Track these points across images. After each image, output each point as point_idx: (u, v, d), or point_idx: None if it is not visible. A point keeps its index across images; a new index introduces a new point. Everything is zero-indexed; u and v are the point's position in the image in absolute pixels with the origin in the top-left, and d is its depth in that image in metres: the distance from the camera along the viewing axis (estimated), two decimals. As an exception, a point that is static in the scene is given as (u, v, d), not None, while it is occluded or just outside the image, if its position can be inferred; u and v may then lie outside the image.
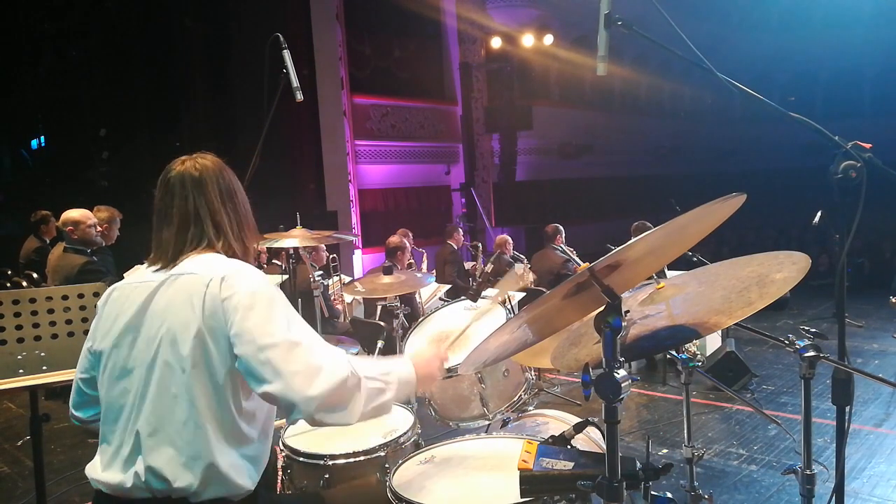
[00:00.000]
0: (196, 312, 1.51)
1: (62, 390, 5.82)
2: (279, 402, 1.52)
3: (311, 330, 1.58)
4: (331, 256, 6.45)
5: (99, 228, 4.81)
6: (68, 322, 2.47)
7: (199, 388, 1.50)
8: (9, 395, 5.69)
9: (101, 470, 1.58)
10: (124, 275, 1.72)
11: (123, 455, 1.54)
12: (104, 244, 5.01)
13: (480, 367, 2.13)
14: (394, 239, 6.65)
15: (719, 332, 5.61)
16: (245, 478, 1.57)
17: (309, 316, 5.06)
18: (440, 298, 6.64)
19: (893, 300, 4.98)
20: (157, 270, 1.63)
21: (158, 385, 1.52)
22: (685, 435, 2.44)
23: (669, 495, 1.57)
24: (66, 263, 4.58)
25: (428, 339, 2.71)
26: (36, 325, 2.41)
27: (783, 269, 1.66)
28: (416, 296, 6.39)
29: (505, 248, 7.60)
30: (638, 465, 1.46)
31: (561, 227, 7.26)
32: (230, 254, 1.67)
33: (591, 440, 2.10)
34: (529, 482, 1.58)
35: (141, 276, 1.65)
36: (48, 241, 6.77)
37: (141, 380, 1.54)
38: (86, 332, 2.48)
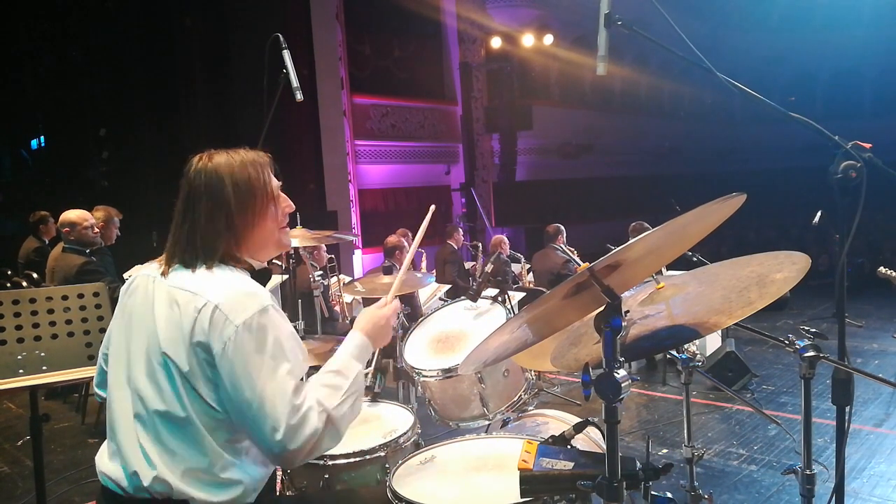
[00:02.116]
0: (185, 336, 1.47)
1: (62, 390, 5.82)
2: (257, 446, 1.52)
3: (296, 360, 1.52)
4: (329, 257, 6.44)
5: (96, 229, 4.81)
6: (68, 322, 2.46)
7: (194, 405, 1.49)
8: (9, 395, 5.69)
9: (108, 460, 1.58)
10: (124, 275, 1.71)
11: (124, 458, 1.54)
12: (103, 244, 5.00)
13: (480, 367, 2.13)
14: (392, 238, 6.65)
15: (719, 332, 5.61)
16: (245, 493, 1.55)
17: (309, 316, 5.05)
18: (440, 298, 6.63)
19: (882, 270, 4.94)
20: (161, 270, 1.60)
21: (153, 394, 1.51)
22: (685, 435, 2.44)
23: (669, 495, 1.57)
24: (65, 264, 4.57)
25: (428, 341, 2.71)
26: (36, 325, 2.41)
27: (783, 269, 1.66)
28: (417, 295, 6.39)
29: (502, 248, 7.61)
30: (638, 465, 1.46)
31: (562, 227, 7.25)
32: (227, 262, 1.59)
33: (591, 440, 2.10)
34: (529, 482, 1.58)
35: (157, 271, 1.62)
36: (47, 242, 6.77)
37: (140, 388, 1.53)
38: (86, 332, 2.49)
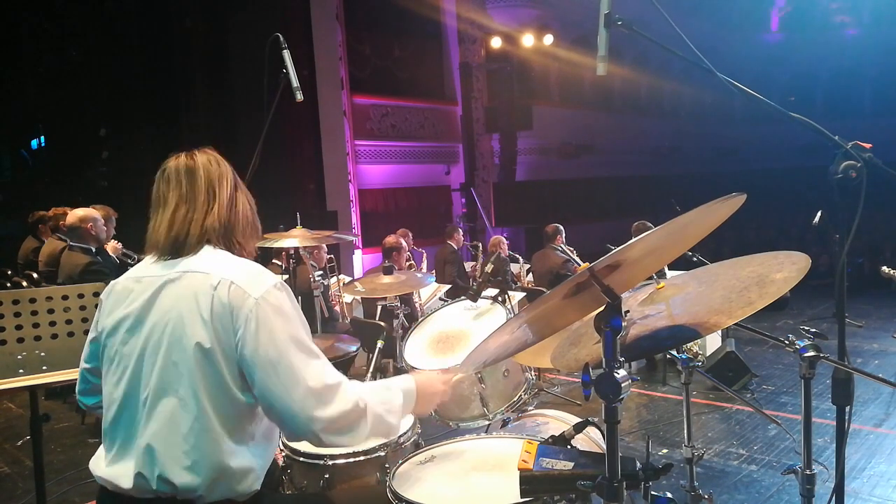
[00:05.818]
0: (203, 315, 1.49)
1: (62, 390, 5.82)
2: (283, 420, 1.52)
3: (310, 337, 1.58)
4: (328, 257, 6.44)
5: (103, 228, 4.85)
6: (68, 322, 2.47)
7: (204, 390, 1.48)
8: (9, 395, 5.69)
9: (105, 466, 1.57)
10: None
11: (127, 455, 1.53)
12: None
13: (480, 367, 2.13)
14: (390, 239, 6.64)
15: (719, 332, 5.61)
16: (251, 479, 1.56)
17: (309, 316, 5.06)
18: (440, 298, 6.63)
19: (886, 269, 4.92)
20: (159, 264, 1.60)
21: (163, 385, 1.50)
22: (685, 435, 2.44)
23: (669, 495, 1.57)
24: (71, 262, 4.58)
25: (429, 341, 2.71)
26: (36, 325, 2.41)
27: (783, 269, 1.66)
28: (415, 296, 6.38)
29: (500, 248, 7.61)
30: (638, 465, 1.46)
31: (561, 227, 7.25)
32: (230, 250, 1.64)
33: (591, 440, 2.10)
34: (529, 482, 1.58)
35: (144, 271, 1.62)
36: (46, 242, 6.77)
37: (145, 379, 1.52)
38: (86, 332, 2.48)
